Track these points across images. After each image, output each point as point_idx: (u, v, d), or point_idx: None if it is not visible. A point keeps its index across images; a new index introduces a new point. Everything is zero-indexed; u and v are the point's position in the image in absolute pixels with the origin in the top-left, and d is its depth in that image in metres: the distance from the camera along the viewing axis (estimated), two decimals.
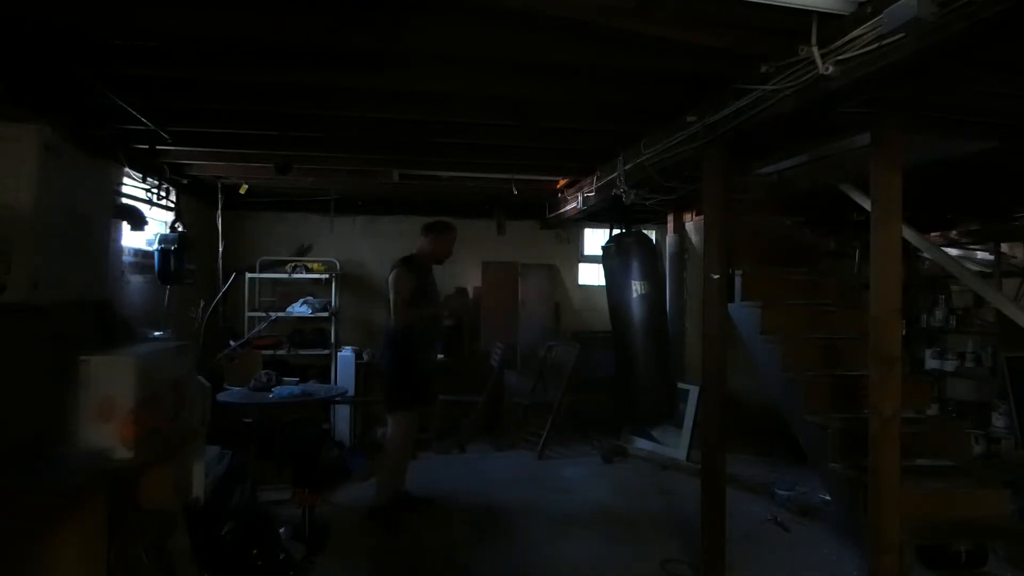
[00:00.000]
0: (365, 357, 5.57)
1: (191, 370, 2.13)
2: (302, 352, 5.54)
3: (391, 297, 3.74)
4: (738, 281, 4.05)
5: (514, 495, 4.26)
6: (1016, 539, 3.19)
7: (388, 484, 3.79)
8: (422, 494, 4.08)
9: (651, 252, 4.18)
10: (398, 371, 3.75)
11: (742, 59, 2.36)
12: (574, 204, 5.04)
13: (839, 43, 1.95)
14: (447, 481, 4.44)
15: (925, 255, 4.86)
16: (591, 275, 6.69)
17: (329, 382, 5.32)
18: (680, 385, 5.34)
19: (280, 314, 5.44)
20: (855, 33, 1.88)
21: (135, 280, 4.10)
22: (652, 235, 6.94)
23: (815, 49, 2.01)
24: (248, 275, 5.58)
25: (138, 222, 3.64)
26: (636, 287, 4.18)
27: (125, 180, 3.97)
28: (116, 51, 2.50)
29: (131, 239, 4.02)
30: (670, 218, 5.67)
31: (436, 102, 3.12)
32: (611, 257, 4.02)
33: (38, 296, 1.54)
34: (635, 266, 3.95)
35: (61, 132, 1.67)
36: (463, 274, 6.23)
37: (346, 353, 5.46)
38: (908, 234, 3.35)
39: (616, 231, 4.33)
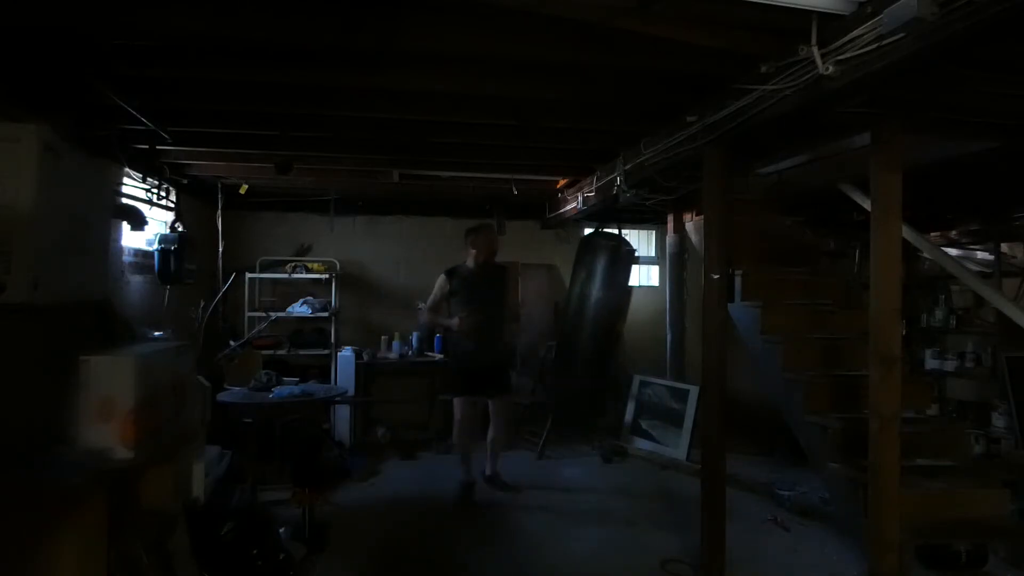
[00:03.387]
0: (365, 357, 5.57)
1: (191, 370, 2.13)
2: (302, 352, 5.54)
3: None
4: (738, 281, 4.04)
5: (514, 495, 4.26)
6: (1016, 539, 3.20)
7: (463, 461, 4.24)
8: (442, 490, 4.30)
9: (621, 254, 4.17)
10: (447, 362, 4.42)
11: (742, 59, 2.36)
12: (574, 204, 5.04)
13: (839, 43, 1.96)
14: (447, 481, 4.44)
15: (925, 255, 4.86)
16: None
17: (329, 382, 5.32)
18: (680, 385, 5.35)
19: (280, 314, 5.44)
20: (855, 33, 1.88)
21: (135, 280, 4.09)
22: (652, 235, 6.97)
23: (815, 49, 2.01)
24: (248, 275, 5.57)
25: (138, 222, 3.64)
26: (597, 285, 4.17)
27: (125, 180, 3.97)
28: (116, 51, 2.50)
29: (131, 239, 4.02)
30: (670, 218, 5.66)
31: (436, 102, 3.13)
32: (582, 254, 4.03)
33: (38, 296, 1.54)
34: (600, 266, 3.94)
35: (61, 132, 1.67)
36: None
37: (346, 353, 5.46)
38: (908, 234, 3.34)
39: (595, 230, 4.35)
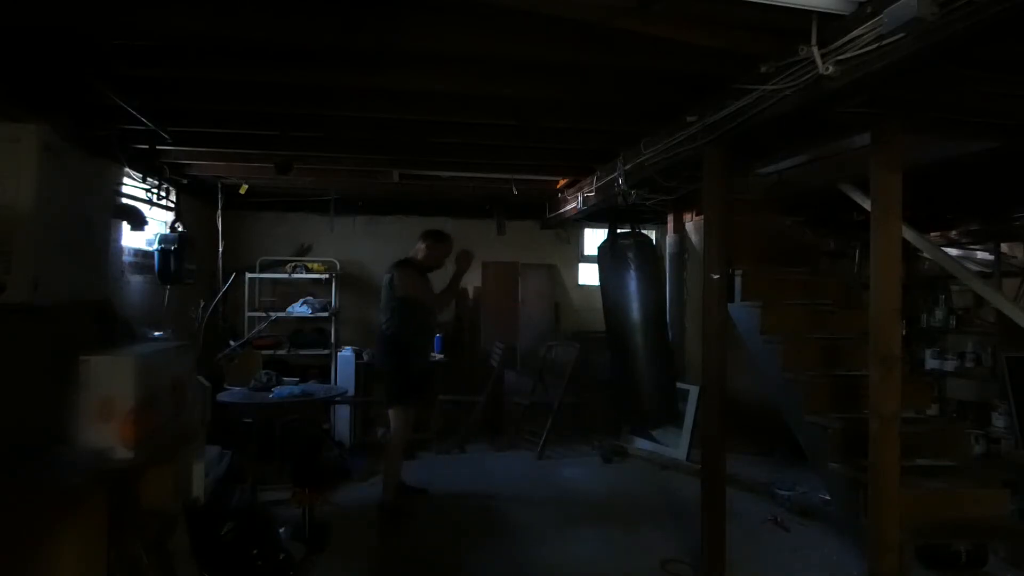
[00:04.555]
0: (365, 357, 5.56)
1: (191, 370, 2.13)
2: (302, 352, 5.54)
3: (395, 298, 3.81)
4: (738, 281, 4.04)
5: (514, 495, 4.26)
6: (1016, 539, 3.20)
7: (392, 479, 3.90)
8: (415, 484, 4.20)
9: (650, 252, 4.09)
10: (396, 369, 3.89)
11: (742, 59, 2.36)
12: (574, 204, 5.04)
13: (839, 43, 1.95)
14: (447, 481, 4.44)
15: (925, 255, 4.86)
16: (591, 275, 6.68)
17: (329, 382, 5.32)
18: (680, 385, 5.34)
19: (280, 314, 5.44)
20: (855, 33, 1.88)
21: (135, 280, 4.10)
22: (652, 235, 6.96)
23: (815, 49, 2.01)
24: (248, 275, 5.58)
25: (138, 222, 3.65)
26: (634, 287, 4.10)
27: (125, 180, 3.97)
28: (116, 51, 2.50)
29: (131, 239, 4.02)
30: (670, 218, 5.67)
31: (436, 102, 3.12)
32: (607, 257, 3.98)
33: (38, 296, 1.54)
34: (633, 266, 3.88)
35: (61, 132, 1.68)
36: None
37: (346, 353, 5.46)
38: (908, 234, 3.34)
39: (613, 231, 4.27)
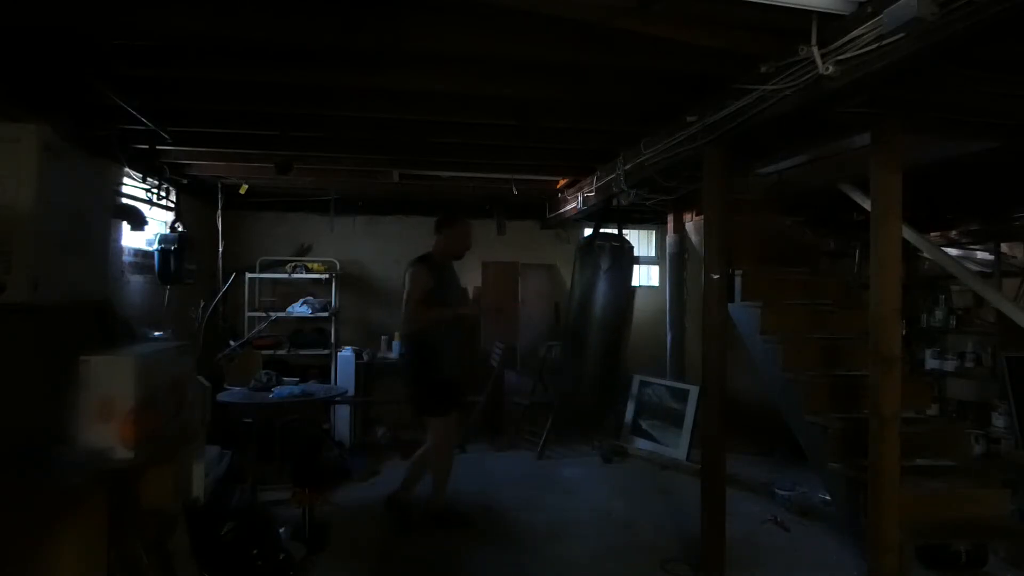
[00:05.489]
0: (365, 357, 5.57)
1: (191, 370, 2.13)
2: (302, 352, 5.54)
3: (404, 297, 3.57)
4: (738, 281, 4.04)
5: (514, 495, 4.26)
6: (1016, 539, 3.20)
7: (442, 488, 3.68)
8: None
9: (624, 257, 4.11)
10: (425, 374, 3.59)
11: (742, 59, 2.36)
12: (574, 204, 5.04)
13: (839, 43, 1.96)
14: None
15: (925, 255, 4.86)
16: None
17: (329, 382, 5.32)
18: (680, 385, 5.35)
19: (280, 314, 5.44)
20: (855, 33, 1.88)
21: (135, 280, 4.10)
22: (652, 235, 6.97)
23: (815, 49, 2.02)
24: (248, 275, 5.58)
25: (138, 222, 3.65)
26: (600, 288, 4.06)
27: (125, 180, 3.98)
28: (116, 51, 2.50)
29: (131, 239, 4.02)
30: (670, 218, 5.67)
31: (436, 102, 3.13)
32: (581, 256, 3.97)
33: (38, 296, 1.54)
34: (603, 268, 3.89)
35: (61, 132, 1.67)
36: (463, 274, 6.23)
37: (346, 353, 5.46)
38: (908, 234, 3.34)
39: (596, 231, 4.23)
